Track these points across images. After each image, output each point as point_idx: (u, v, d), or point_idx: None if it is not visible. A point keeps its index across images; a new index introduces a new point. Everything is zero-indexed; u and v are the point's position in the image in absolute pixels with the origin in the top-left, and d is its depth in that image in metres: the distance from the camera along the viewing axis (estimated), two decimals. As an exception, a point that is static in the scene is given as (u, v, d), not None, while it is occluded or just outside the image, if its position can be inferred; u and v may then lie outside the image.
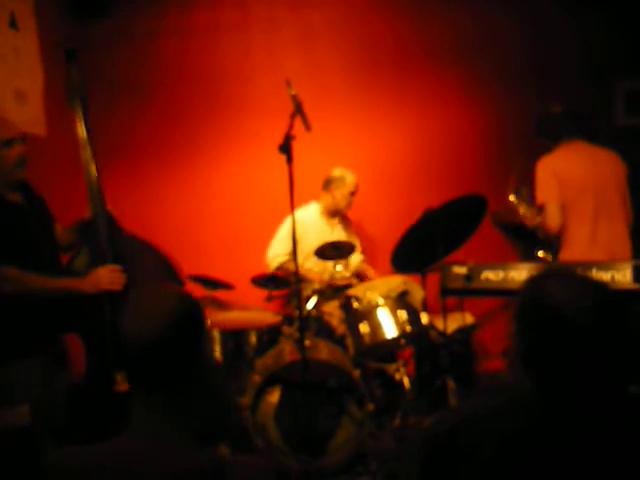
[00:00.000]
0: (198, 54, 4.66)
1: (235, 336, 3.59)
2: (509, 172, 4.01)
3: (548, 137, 3.58)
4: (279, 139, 2.84)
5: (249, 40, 4.68)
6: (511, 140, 4.54)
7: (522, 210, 3.63)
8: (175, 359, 1.37)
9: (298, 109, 2.96)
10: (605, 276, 2.93)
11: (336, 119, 4.59)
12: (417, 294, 3.63)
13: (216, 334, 3.53)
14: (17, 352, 2.59)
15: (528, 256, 3.89)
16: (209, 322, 3.60)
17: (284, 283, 3.82)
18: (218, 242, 4.63)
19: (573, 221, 3.42)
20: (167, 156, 4.61)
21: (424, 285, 3.66)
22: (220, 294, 3.95)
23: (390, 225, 4.37)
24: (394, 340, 3.42)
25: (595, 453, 1.23)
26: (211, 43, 4.66)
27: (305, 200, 4.29)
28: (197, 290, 3.71)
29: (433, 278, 3.52)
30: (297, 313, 3.13)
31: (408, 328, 3.39)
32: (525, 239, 4.01)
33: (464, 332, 3.87)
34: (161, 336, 1.35)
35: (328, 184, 4.26)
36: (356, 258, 4.33)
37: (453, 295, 3.34)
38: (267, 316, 3.78)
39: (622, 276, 2.91)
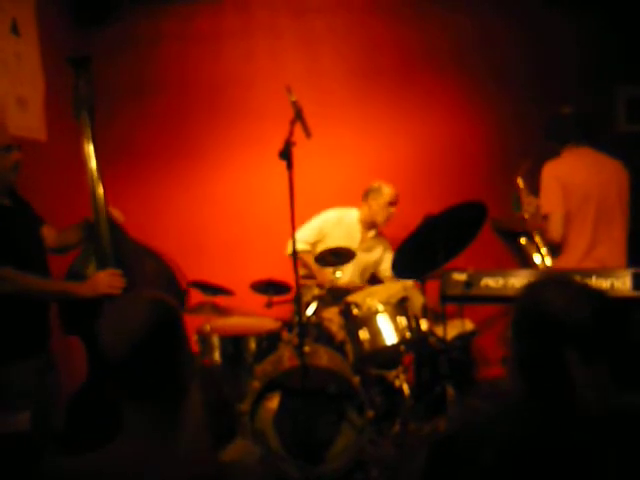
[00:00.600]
0: (200, 60, 4.68)
1: (234, 342, 3.59)
2: (509, 178, 4.02)
3: (556, 139, 3.57)
4: (281, 145, 2.84)
5: (251, 46, 4.69)
6: (512, 146, 4.54)
7: (526, 200, 3.63)
8: (153, 365, 1.37)
9: (298, 115, 2.97)
10: (605, 283, 2.92)
11: (337, 125, 4.61)
12: (417, 300, 3.63)
13: (215, 340, 3.54)
14: (16, 353, 2.60)
15: (528, 263, 3.88)
16: (208, 328, 3.60)
17: (284, 289, 3.81)
18: (219, 247, 4.63)
19: (573, 231, 3.42)
20: (169, 161, 4.62)
21: (424, 292, 3.66)
22: (220, 300, 3.95)
23: (390, 231, 4.38)
24: (394, 346, 3.41)
25: (592, 459, 1.23)
26: (213, 49, 4.68)
27: (306, 206, 4.29)
28: (197, 296, 3.71)
29: (433, 285, 3.52)
30: (297, 319, 3.13)
31: (408, 335, 3.39)
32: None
33: (464, 339, 3.86)
34: (135, 344, 1.36)
35: (366, 195, 4.28)
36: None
37: (453, 302, 3.33)
38: (267, 322, 3.78)
39: (622, 283, 2.90)
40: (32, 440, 2.56)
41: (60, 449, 2.64)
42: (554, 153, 3.57)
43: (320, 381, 3.15)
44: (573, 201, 3.41)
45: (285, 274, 4.07)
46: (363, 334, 3.38)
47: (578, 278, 2.79)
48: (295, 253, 2.97)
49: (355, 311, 3.49)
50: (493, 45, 4.62)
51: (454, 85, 4.67)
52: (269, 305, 3.84)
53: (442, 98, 4.69)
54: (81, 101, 2.87)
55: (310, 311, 3.66)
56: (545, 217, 3.44)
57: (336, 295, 3.87)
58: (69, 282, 2.78)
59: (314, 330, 3.68)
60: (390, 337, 3.38)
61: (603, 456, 1.23)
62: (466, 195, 3.49)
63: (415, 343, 3.52)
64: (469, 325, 3.88)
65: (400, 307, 3.48)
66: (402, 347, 3.47)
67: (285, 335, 3.63)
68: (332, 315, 3.73)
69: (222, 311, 3.84)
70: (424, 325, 3.47)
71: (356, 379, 3.22)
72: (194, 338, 3.57)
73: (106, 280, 2.68)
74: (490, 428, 1.31)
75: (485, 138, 4.68)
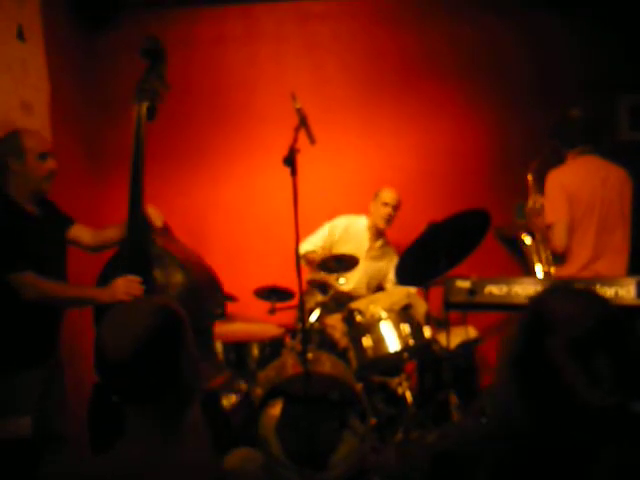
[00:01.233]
0: (204, 66, 4.68)
1: (237, 348, 3.58)
2: (512, 186, 4.02)
3: (562, 141, 3.57)
4: (284, 151, 2.84)
5: (255, 52, 4.70)
6: (514, 154, 4.54)
7: (533, 197, 3.63)
8: (154, 369, 1.37)
9: (303, 122, 2.97)
10: (609, 292, 2.91)
11: (341, 132, 4.61)
12: (420, 308, 3.62)
13: (218, 346, 3.53)
14: (22, 363, 2.60)
15: (529, 268, 3.88)
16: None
17: (287, 295, 3.81)
18: (221, 253, 4.62)
19: (575, 240, 3.42)
20: (171, 167, 4.62)
21: (427, 299, 3.65)
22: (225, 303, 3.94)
23: (394, 238, 4.37)
24: (397, 354, 3.41)
25: (589, 474, 1.22)
26: (217, 55, 4.69)
27: (309, 212, 4.29)
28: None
29: (436, 292, 3.51)
30: (300, 326, 3.13)
31: (411, 342, 3.38)
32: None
33: (467, 346, 3.85)
34: (137, 348, 1.36)
35: (371, 202, 4.29)
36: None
37: (456, 309, 3.32)
38: (270, 328, 3.77)
39: (626, 292, 2.90)
40: (34, 445, 2.56)
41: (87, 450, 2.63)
42: (558, 155, 3.56)
43: (323, 388, 3.14)
44: (577, 210, 3.41)
45: (288, 280, 4.07)
46: (366, 341, 3.38)
47: (582, 286, 2.79)
48: (298, 261, 2.93)
49: (358, 318, 3.48)
50: (496, 53, 4.63)
51: (457, 92, 4.67)
52: (272, 311, 3.83)
53: (445, 105, 4.69)
54: (144, 93, 2.81)
55: (313, 318, 3.65)
56: (549, 226, 3.44)
57: (339, 302, 3.86)
58: (91, 288, 2.76)
59: (317, 337, 3.67)
60: (393, 344, 3.37)
61: (600, 464, 1.22)
62: (469, 202, 3.49)
63: (418, 350, 3.51)
64: (472, 332, 3.87)
65: (403, 314, 3.47)
66: (405, 354, 3.47)
67: (288, 341, 3.63)
68: (335, 322, 3.72)
69: (225, 317, 3.83)
70: (427, 332, 3.46)
71: (359, 386, 3.21)
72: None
73: (124, 286, 2.62)
74: (486, 444, 1.31)
75: (488, 145, 4.68)
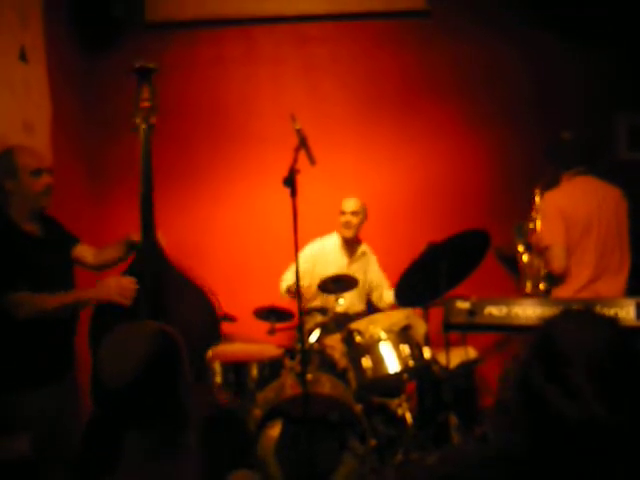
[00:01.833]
0: (203, 87, 4.72)
1: (236, 368, 3.56)
2: (512, 205, 4.01)
3: (556, 163, 3.58)
4: (283, 171, 2.84)
5: (253, 73, 4.74)
6: (514, 174, 4.56)
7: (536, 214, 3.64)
8: (151, 396, 1.37)
9: (303, 143, 2.97)
10: (609, 313, 2.91)
11: (340, 152, 4.63)
12: (420, 328, 3.61)
13: (217, 366, 3.51)
14: (33, 381, 2.58)
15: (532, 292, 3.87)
16: (210, 354, 3.57)
17: (286, 316, 3.80)
18: (221, 273, 4.61)
19: (574, 262, 3.43)
20: (170, 187, 4.63)
21: (427, 319, 3.64)
22: (222, 326, 3.93)
23: (393, 259, 4.36)
24: (396, 375, 3.39)
25: None
26: (216, 76, 4.72)
27: (308, 233, 4.30)
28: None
29: (436, 312, 3.51)
30: (299, 346, 3.11)
31: (411, 363, 3.37)
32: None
33: (467, 367, 3.83)
34: (135, 376, 1.35)
35: None
36: (388, 295, 4.28)
37: (456, 330, 3.31)
38: (269, 349, 3.76)
39: (625, 313, 2.89)
40: (34, 465, 2.53)
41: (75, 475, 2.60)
42: (556, 178, 3.57)
43: (322, 409, 3.13)
44: (575, 232, 3.42)
45: (288, 301, 4.07)
46: (366, 362, 3.37)
47: (585, 307, 2.79)
48: (298, 282, 2.92)
49: (358, 339, 3.47)
50: (495, 73, 4.67)
51: (456, 112, 4.70)
52: (272, 332, 3.83)
53: (444, 125, 4.72)
54: (141, 113, 2.81)
55: (313, 338, 3.64)
56: (547, 248, 3.45)
57: (339, 322, 3.86)
58: (82, 290, 2.75)
59: (316, 357, 3.66)
60: (393, 365, 3.36)
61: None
62: (468, 222, 3.50)
63: (418, 371, 3.50)
64: (472, 353, 3.85)
65: (403, 335, 3.46)
66: (405, 375, 3.45)
67: (287, 362, 3.61)
68: (335, 342, 3.71)
69: (224, 337, 3.82)
70: (427, 353, 3.45)
71: (358, 407, 3.20)
72: (196, 364, 3.55)
73: (117, 287, 2.60)
74: (483, 471, 1.30)
75: (487, 165, 4.70)
